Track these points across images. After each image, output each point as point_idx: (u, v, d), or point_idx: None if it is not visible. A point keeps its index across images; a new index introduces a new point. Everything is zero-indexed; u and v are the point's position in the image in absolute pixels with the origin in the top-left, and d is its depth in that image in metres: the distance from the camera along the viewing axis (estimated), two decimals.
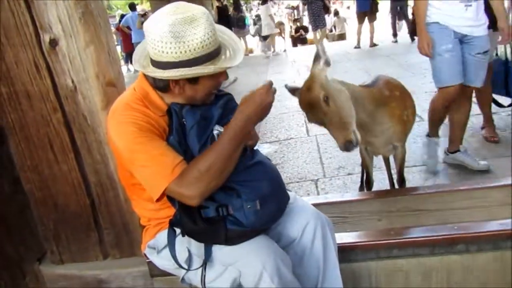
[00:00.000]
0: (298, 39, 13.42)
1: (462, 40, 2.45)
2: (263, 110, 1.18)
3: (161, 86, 1.19)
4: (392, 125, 1.84)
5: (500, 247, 1.55)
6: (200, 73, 1.13)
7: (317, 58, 1.52)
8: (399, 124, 1.86)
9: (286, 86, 1.68)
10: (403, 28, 12.69)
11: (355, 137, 1.45)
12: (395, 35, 9.25)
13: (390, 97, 1.84)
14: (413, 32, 7.86)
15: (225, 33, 1.26)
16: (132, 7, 10.35)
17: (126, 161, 1.19)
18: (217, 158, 1.12)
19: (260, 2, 10.64)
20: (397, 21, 12.67)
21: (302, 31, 13.46)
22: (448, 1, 2.38)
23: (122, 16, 11.04)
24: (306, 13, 11.28)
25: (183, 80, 1.16)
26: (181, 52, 1.09)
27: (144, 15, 8.75)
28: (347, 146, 1.44)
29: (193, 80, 1.16)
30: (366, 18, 8.79)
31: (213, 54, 1.14)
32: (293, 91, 1.66)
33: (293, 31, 14.21)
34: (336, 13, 13.74)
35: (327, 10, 9.80)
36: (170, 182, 1.11)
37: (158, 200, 1.16)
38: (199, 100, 1.22)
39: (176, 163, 1.13)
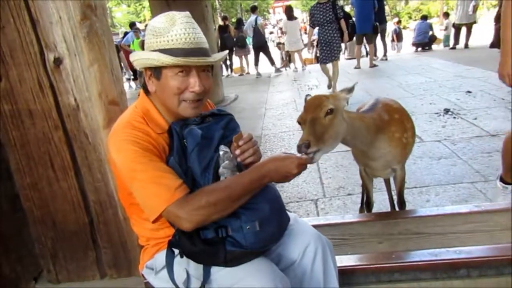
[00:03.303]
0: None
1: None
2: (284, 176, 1.18)
3: (144, 85, 1.25)
4: (391, 149, 1.83)
5: (502, 273, 1.53)
6: (150, 59, 1.16)
7: (351, 89, 1.59)
8: (398, 147, 1.85)
9: (307, 96, 1.66)
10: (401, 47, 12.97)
11: (317, 146, 1.36)
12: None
13: (389, 121, 1.83)
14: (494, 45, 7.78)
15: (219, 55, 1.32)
16: (132, 25, 10.53)
17: (126, 180, 1.19)
18: (227, 196, 1.12)
19: (286, 18, 10.40)
20: (395, 43, 12.95)
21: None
22: None
23: (126, 33, 11.23)
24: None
25: (151, 74, 1.20)
26: (152, 43, 1.18)
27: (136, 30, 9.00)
28: (301, 148, 1.32)
29: (156, 74, 1.19)
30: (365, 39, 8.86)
31: (181, 52, 1.15)
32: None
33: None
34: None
35: (342, 35, 6.53)
36: (170, 204, 1.10)
37: (154, 221, 1.15)
38: (169, 106, 1.22)
39: (176, 185, 1.12)
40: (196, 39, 1.18)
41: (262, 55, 10.10)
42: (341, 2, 31.06)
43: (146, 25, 10.54)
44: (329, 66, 6.68)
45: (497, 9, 9.05)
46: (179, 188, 1.12)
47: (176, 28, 1.16)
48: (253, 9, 10.68)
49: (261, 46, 10.02)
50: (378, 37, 9.63)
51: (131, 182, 1.17)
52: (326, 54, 6.52)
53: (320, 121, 1.44)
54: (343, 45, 9.56)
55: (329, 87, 6.79)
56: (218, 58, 1.27)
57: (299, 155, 1.24)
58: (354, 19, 7.57)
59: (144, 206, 1.17)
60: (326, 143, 1.43)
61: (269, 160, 1.18)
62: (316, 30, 7.07)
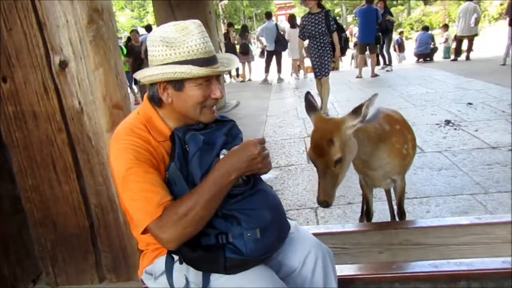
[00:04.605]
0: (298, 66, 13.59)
1: None
2: (248, 160, 1.15)
3: (155, 97, 1.21)
4: (391, 159, 1.83)
5: (503, 286, 1.52)
6: (179, 73, 1.12)
7: (358, 110, 1.52)
8: (399, 158, 1.85)
9: (308, 93, 1.67)
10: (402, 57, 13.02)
11: (332, 200, 1.56)
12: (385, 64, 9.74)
13: (391, 132, 1.83)
14: None
15: (223, 56, 1.30)
16: (136, 32, 10.49)
17: (118, 186, 1.19)
18: (196, 204, 1.10)
19: (289, 26, 10.36)
20: (397, 53, 13.01)
21: None
22: None
23: (129, 38, 11.25)
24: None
25: (169, 87, 1.17)
26: (168, 55, 1.13)
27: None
28: (324, 205, 1.55)
29: (178, 86, 1.16)
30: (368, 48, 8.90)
31: (200, 62, 1.15)
32: (309, 107, 1.65)
33: None
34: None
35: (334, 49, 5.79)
36: (152, 220, 1.09)
37: (142, 233, 1.14)
38: (190, 115, 1.21)
39: (162, 202, 1.10)
40: (211, 47, 1.18)
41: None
42: (344, 13, 31.37)
43: (146, 26, 10.46)
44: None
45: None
46: (163, 204, 1.10)
47: (194, 38, 1.14)
48: (269, 16, 10.52)
49: (281, 51, 9.95)
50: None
51: (123, 191, 1.16)
52: (317, 68, 5.86)
53: (331, 172, 1.52)
54: (350, 53, 9.17)
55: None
56: (236, 64, 1.28)
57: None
58: (347, 32, 7.22)
59: (133, 217, 1.18)
60: (339, 184, 1.59)
61: (229, 154, 1.17)
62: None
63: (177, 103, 1.20)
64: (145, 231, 1.13)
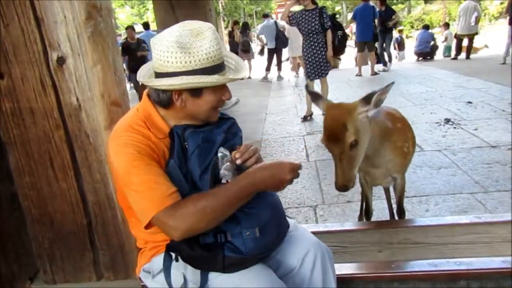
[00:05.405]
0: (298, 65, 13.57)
1: None
2: (277, 183, 1.15)
3: (164, 100, 1.18)
4: (393, 157, 1.83)
5: (503, 285, 1.52)
6: (203, 83, 1.12)
7: (369, 97, 1.51)
8: (400, 156, 1.85)
9: (307, 86, 1.68)
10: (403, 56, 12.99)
11: (351, 184, 1.53)
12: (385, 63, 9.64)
13: (393, 130, 1.83)
14: None
15: (230, 56, 1.29)
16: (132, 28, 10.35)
17: (121, 182, 1.18)
18: (216, 203, 1.10)
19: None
20: (397, 51, 12.99)
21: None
22: None
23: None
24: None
25: (185, 93, 1.15)
26: (185, 62, 1.10)
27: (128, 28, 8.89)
28: (343, 189, 1.52)
29: (196, 93, 1.16)
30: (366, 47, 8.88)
31: (217, 68, 1.15)
32: (314, 96, 1.65)
33: None
34: None
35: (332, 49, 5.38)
36: (159, 210, 1.08)
37: (146, 227, 1.14)
38: (201, 117, 1.21)
39: (169, 193, 1.10)
40: (222, 51, 1.18)
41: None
42: (345, 11, 31.29)
43: (144, 24, 10.31)
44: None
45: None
46: (171, 195, 1.10)
47: (210, 44, 1.12)
48: (266, 16, 10.76)
49: (281, 49, 9.96)
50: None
51: (126, 185, 1.16)
52: (311, 69, 5.40)
53: (347, 156, 1.50)
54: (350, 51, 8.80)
55: (306, 118, 5.58)
56: (246, 73, 1.27)
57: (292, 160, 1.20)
58: (346, 30, 6.95)
59: (136, 210, 1.16)
60: (357, 166, 1.57)
61: (263, 167, 1.15)
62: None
63: (191, 107, 1.19)
64: (149, 225, 1.12)
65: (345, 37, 5.81)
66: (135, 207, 1.16)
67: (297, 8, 5.57)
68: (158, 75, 1.16)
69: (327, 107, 1.60)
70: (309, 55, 5.40)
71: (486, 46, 11.94)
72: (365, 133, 1.56)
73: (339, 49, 5.65)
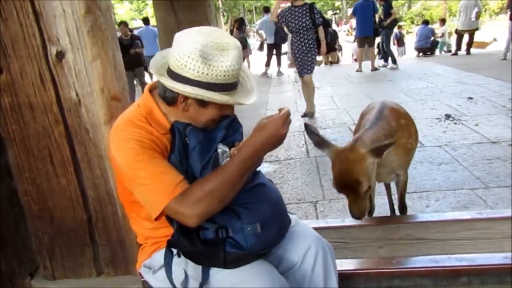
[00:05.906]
0: None
1: None
2: (276, 141, 1.14)
3: (169, 97, 1.18)
4: (399, 156, 1.84)
5: (504, 281, 1.52)
6: (213, 99, 1.12)
7: (379, 150, 1.57)
8: (404, 153, 1.86)
9: (307, 126, 1.69)
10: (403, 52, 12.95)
11: (367, 212, 1.66)
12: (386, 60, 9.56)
13: (397, 128, 1.83)
14: None
15: (245, 72, 1.28)
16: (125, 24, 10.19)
17: (126, 178, 1.17)
18: (222, 182, 1.10)
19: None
20: (397, 48, 12.95)
21: None
22: None
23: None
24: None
25: (192, 100, 1.14)
26: (202, 73, 1.09)
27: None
28: (360, 217, 1.64)
29: (202, 104, 1.15)
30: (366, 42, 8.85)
31: (231, 86, 1.15)
32: (319, 142, 1.69)
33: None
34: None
35: (319, 45, 5.31)
36: (170, 200, 1.09)
37: (157, 219, 1.14)
38: (199, 124, 1.21)
39: (177, 181, 1.11)
40: (239, 72, 1.17)
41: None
42: (345, 6, 31.20)
43: (144, 19, 10.15)
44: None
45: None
46: (180, 183, 1.11)
47: (231, 63, 1.10)
48: (267, 10, 10.60)
49: (281, 44, 9.87)
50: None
51: (132, 180, 1.15)
52: (302, 65, 5.34)
53: (360, 197, 1.61)
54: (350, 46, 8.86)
55: (308, 114, 5.46)
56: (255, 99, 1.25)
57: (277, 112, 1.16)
58: (348, 25, 7.00)
59: (145, 203, 1.16)
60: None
61: (254, 131, 1.14)
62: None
63: (193, 113, 1.18)
64: (161, 215, 1.12)
65: (335, 33, 5.89)
66: (143, 200, 1.16)
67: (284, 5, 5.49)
68: (172, 74, 1.14)
69: (335, 156, 1.64)
70: (300, 52, 5.29)
71: (495, 39, 11.88)
72: (374, 173, 1.64)
73: (330, 45, 5.61)
